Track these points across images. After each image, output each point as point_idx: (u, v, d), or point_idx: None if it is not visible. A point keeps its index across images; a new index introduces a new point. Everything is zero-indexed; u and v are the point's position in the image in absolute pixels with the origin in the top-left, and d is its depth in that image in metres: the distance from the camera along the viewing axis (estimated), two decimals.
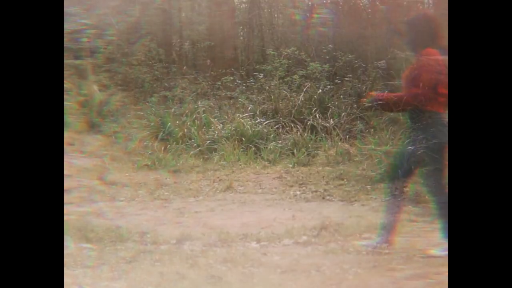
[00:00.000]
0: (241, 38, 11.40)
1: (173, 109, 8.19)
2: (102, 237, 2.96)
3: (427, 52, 3.35)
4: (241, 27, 11.48)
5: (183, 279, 2.81)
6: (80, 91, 4.25)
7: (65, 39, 3.43)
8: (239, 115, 7.82)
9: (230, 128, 7.53)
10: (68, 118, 4.08)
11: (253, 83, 9.02)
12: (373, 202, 5.04)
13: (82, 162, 4.27)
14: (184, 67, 9.81)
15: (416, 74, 3.33)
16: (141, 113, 7.84)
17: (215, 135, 7.44)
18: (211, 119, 7.93)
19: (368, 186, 5.59)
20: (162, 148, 7.33)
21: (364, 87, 8.51)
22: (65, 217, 3.16)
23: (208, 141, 7.33)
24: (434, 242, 3.44)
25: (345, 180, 5.92)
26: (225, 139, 7.30)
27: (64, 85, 3.88)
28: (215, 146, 7.25)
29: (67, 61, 4.00)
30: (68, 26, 3.84)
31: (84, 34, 4.18)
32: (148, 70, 8.81)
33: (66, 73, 3.96)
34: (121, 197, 3.87)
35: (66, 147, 3.87)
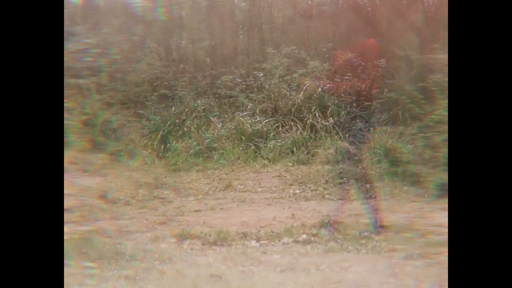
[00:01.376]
0: (241, 37, 11.39)
1: (173, 108, 8.21)
2: (104, 255, 2.95)
3: (367, 43, 3.34)
4: (241, 26, 11.47)
5: (183, 278, 2.82)
6: (83, 110, 4.27)
7: (68, 59, 3.45)
8: (238, 114, 7.82)
9: (230, 127, 7.54)
10: (71, 137, 4.09)
11: (252, 82, 9.01)
12: (372, 200, 5.05)
13: (84, 181, 4.27)
14: (182, 66, 9.80)
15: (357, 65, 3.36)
16: (144, 115, 7.84)
17: (215, 133, 7.45)
18: (211, 118, 7.94)
19: (368, 184, 5.60)
20: (162, 147, 7.34)
21: (364, 85, 8.51)
22: (67, 236, 3.18)
23: (208, 140, 7.34)
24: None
25: (344, 178, 5.93)
26: (224, 137, 7.31)
27: (67, 104, 3.92)
28: (215, 145, 7.26)
29: (70, 80, 4.02)
30: (71, 45, 3.88)
31: (88, 53, 4.19)
32: (149, 71, 8.77)
33: (69, 92, 3.99)
34: (124, 215, 3.87)
35: (69, 166, 3.87)
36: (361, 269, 2.90)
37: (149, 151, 7.08)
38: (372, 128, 7.21)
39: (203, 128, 7.68)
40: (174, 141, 7.53)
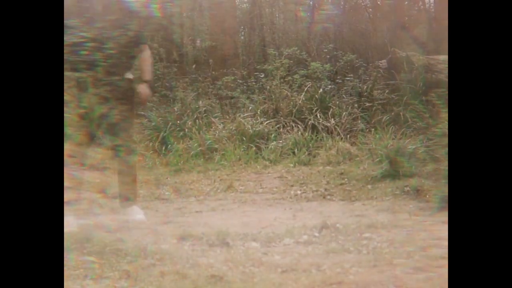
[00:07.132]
0: (242, 37, 11.40)
1: (175, 108, 8.21)
2: (104, 250, 2.94)
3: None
4: (242, 27, 11.48)
5: (184, 279, 2.81)
6: (79, 104, 4.24)
7: (64, 51, 3.46)
8: (240, 115, 7.82)
9: (231, 128, 7.54)
10: (68, 130, 4.07)
11: (254, 83, 9.03)
12: (374, 201, 5.04)
13: (83, 175, 4.26)
14: (183, 66, 9.81)
15: None
16: (145, 116, 7.83)
17: (216, 134, 7.45)
18: (212, 119, 7.94)
19: (369, 186, 5.59)
20: (163, 148, 7.34)
21: (365, 86, 8.51)
22: (65, 229, 3.17)
23: (209, 141, 7.34)
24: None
25: (346, 179, 5.92)
26: (226, 139, 7.31)
27: (64, 97, 3.91)
28: (216, 146, 7.26)
29: (66, 73, 4.02)
30: (67, 38, 3.87)
31: (84, 47, 4.18)
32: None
33: (65, 85, 3.97)
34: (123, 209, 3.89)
35: (67, 159, 3.85)
36: (362, 269, 2.89)
37: (150, 152, 7.08)
38: (373, 129, 7.21)
39: (204, 129, 7.69)
40: (175, 142, 7.53)
